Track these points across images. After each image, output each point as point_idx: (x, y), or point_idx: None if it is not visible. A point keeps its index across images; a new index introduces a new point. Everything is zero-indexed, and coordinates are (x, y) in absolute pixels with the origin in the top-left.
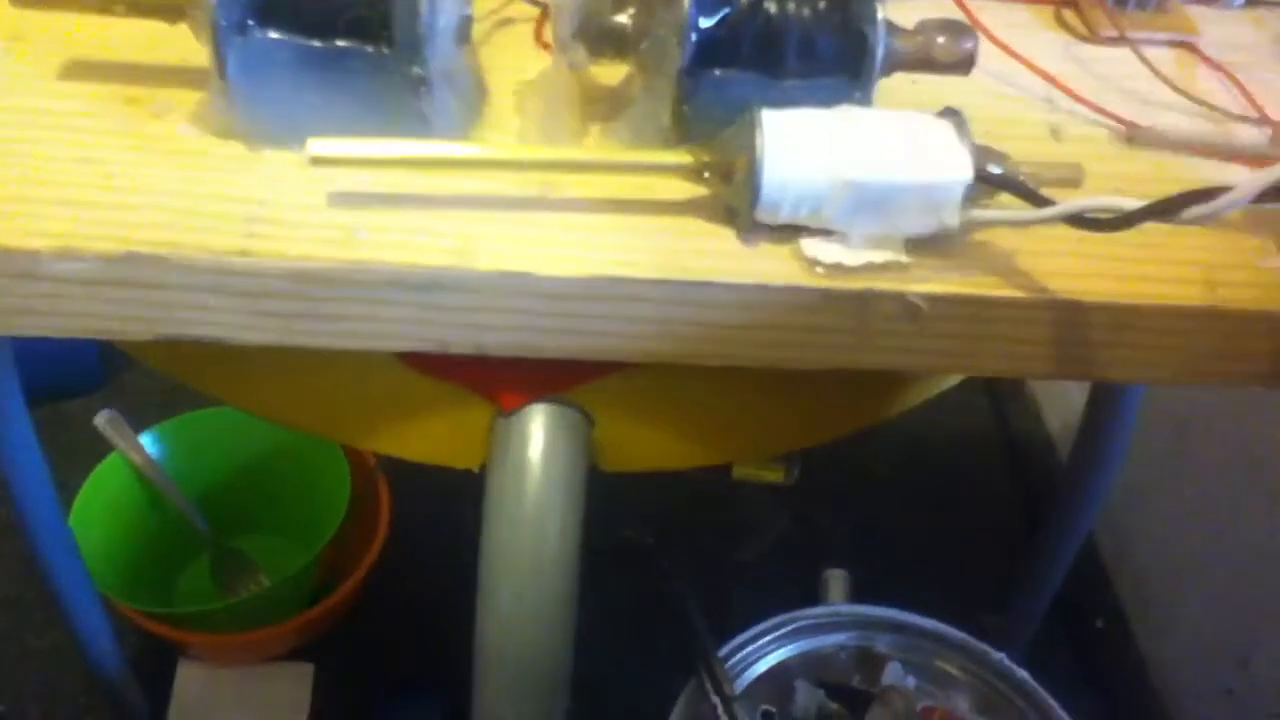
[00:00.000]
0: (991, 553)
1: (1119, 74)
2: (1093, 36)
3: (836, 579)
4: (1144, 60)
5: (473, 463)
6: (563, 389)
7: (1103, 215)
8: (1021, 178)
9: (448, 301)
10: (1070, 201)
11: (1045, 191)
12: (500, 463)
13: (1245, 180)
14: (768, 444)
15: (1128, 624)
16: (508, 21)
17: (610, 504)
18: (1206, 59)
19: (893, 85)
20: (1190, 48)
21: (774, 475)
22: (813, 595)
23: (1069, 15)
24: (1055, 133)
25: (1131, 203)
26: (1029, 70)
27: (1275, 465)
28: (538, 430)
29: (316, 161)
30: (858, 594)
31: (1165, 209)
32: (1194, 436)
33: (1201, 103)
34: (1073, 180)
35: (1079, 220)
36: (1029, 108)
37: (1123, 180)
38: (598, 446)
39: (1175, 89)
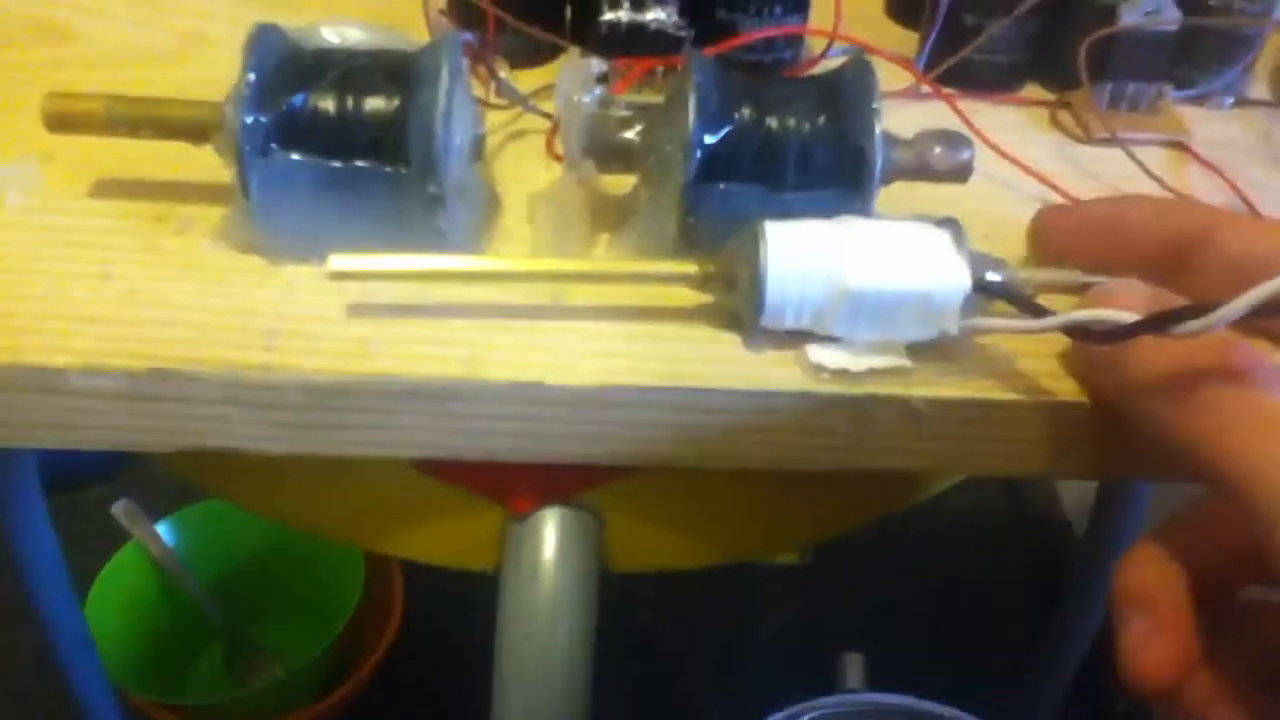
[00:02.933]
0: (1008, 632)
1: (1113, 174)
2: (1087, 137)
3: (853, 663)
4: (1135, 161)
5: (487, 564)
6: (574, 492)
7: (1099, 327)
8: (1021, 283)
9: (460, 410)
10: (1067, 314)
11: (1044, 299)
12: (513, 567)
13: (1240, 295)
14: (777, 541)
15: (1149, 705)
16: (519, 134)
17: (621, 586)
18: (1198, 158)
19: (891, 189)
20: (1182, 147)
21: (788, 556)
22: (827, 677)
23: (1063, 116)
24: None
25: (1128, 316)
26: (1024, 172)
27: None
28: (550, 534)
29: (337, 276)
30: (873, 676)
31: (1160, 322)
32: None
33: (1195, 201)
34: (1074, 286)
35: (1078, 331)
36: (1025, 208)
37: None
38: (609, 548)
39: (1166, 188)
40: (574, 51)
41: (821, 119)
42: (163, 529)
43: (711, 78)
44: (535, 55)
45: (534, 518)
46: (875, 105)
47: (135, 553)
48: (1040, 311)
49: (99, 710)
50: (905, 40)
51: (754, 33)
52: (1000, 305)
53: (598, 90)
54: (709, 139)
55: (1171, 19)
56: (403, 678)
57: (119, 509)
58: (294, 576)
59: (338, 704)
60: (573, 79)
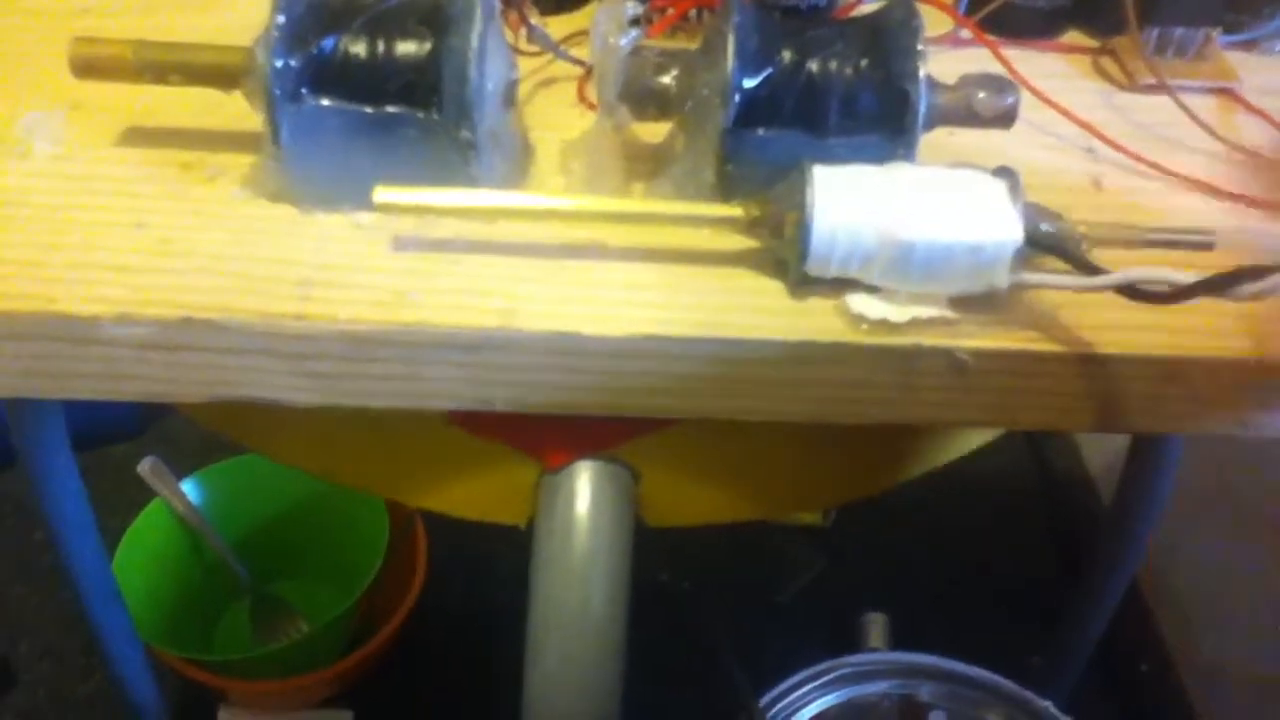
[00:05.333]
0: (1029, 594)
1: (1158, 121)
2: (1131, 84)
3: (876, 623)
4: (1183, 107)
5: (519, 519)
6: (608, 445)
7: (1154, 287)
8: (1074, 237)
9: (494, 361)
10: (1122, 271)
11: (1095, 256)
12: (547, 520)
13: None
14: (811, 498)
15: (1173, 668)
16: (550, 81)
17: (643, 546)
18: (1247, 104)
19: (931, 137)
20: (1230, 94)
21: (810, 517)
22: (849, 637)
23: (1106, 63)
24: (1096, 183)
25: (1184, 276)
26: (1068, 120)
27: None
28: (584, 487)
29: (382, 209)
30: (894, 637)
31: (1218, 285)
32: (1239, 473)
33: (1244, 150)
34: (1133, 241)
35: (1130, 291)
36: (1070, 157)
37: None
38: (642, 502)
39: (1215, 136)
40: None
41: (864, 62)
42: (188, 487)
43: (751, 20)
44: (564, 2)
45: (568, 471)
46: (920, 48)
47: (161, 510)
48: (1093, 269)
49: (127, 665)
50: None
51: None
52: (1050, 260)
53: (633, 34)
54: (748, 83)
55: None
56: (426, 636)
57: (145, 467)
58: (319, 535)
59: (361, 661)
60: (608, 22)
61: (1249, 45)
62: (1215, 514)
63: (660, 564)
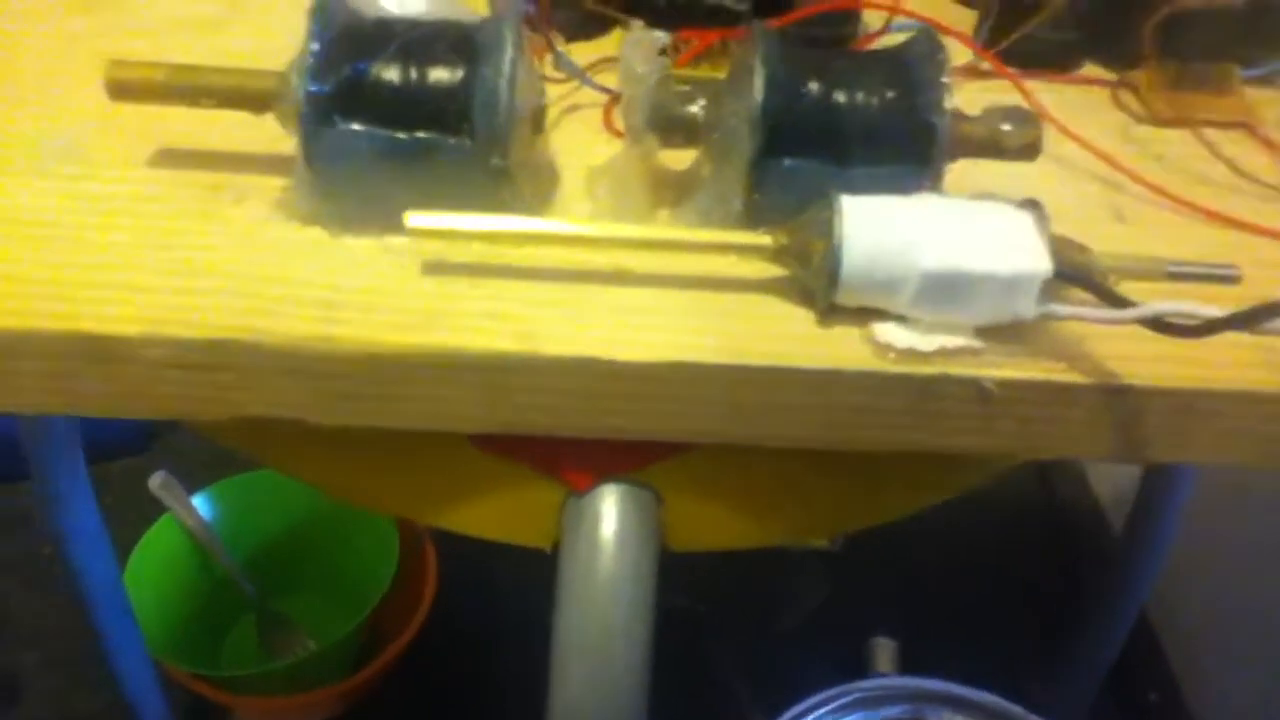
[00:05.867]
0: (1036, 621)
1: (1179, 155)
2: (1151, 118)
3: (884, 648)
4: (1204, 142)
5: (542, 541)
6: (632, 468)
7: (1182, 321)
8: (1101, 269)
9: (517, 384)
10: (1149, 305)
11: (1119, 288)
12: (573, 543)
13: None
14: (833, 523)
15: (1182, 697)
16: (575, 107)
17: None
18: (1266, 141)
19: (954, 168)
20: (1250, 129)
21: (819, 541)
22: (858, 663)
23: (1125, 96)
24: (1119, 215)
25: (1212, 310)
26: (1088, 152)
27: None
28: (610, 510)
29: (413, 234)
30: (903, 662)
31: (1247, 319)
32: (1248, 501)
33: (1266, 185)
34: (1158, 274)
35: (1157, 324)
36: (1091, 190)
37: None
38: (670, 525)
39: (1236, 171)
40: (636, 24)
41: (890, 94)
42: (198, 502)
43: (777, 51)
44: (587, 29)
45: (592, 494)
46: (945, 80)
47: (171, 526)
48: (1120, 302)
49: (136, 679)
50: (962, 18)
51: (813, 6)
52: (1075, 292)
53: (660, 63)
54: (775, 113)
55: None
56: (434, 654)
57: (156, 482)
58: (328, 552)
59: (370, 678)
60: (636, 52)
61: (1268, 80)
62: (1227, 542)
63: (672, 588)
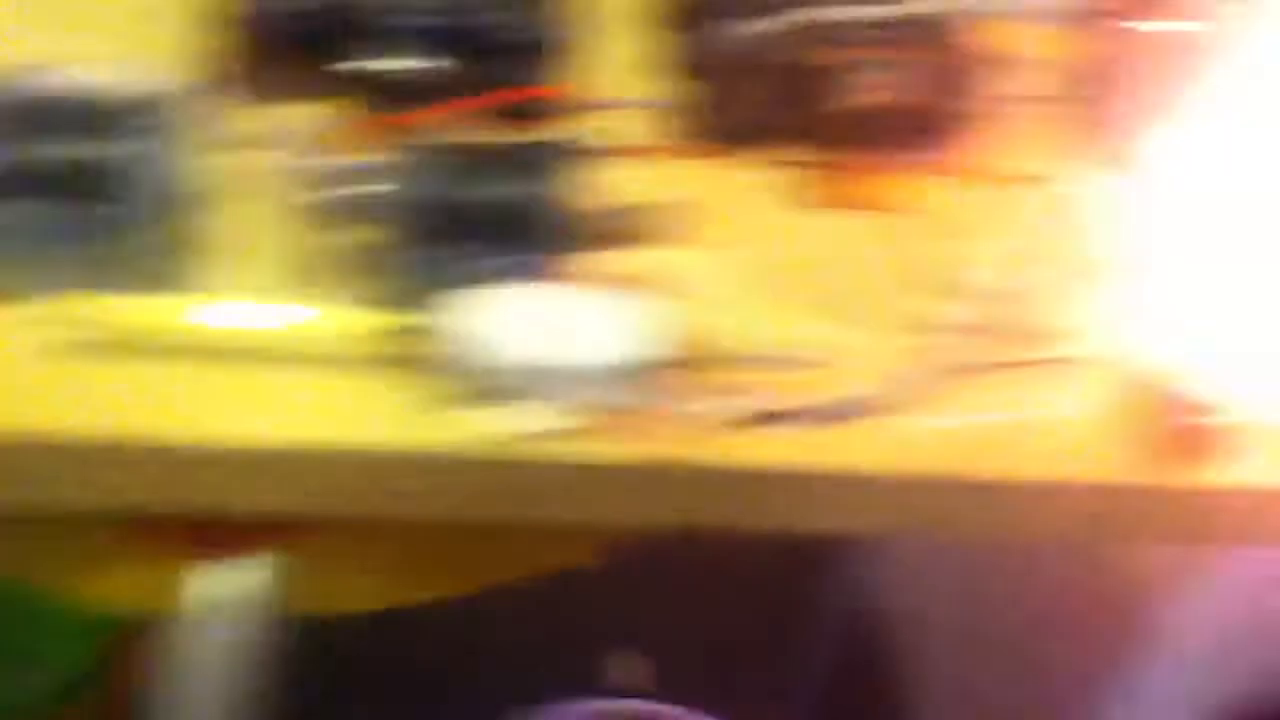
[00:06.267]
0: (783, 649)
1: (833, 239)
2: (820, 201)
3: (622, 665)
4: (848, 227)
5: (173, 611)
6: (259, 540)
7: (739, 413)
8: (699, 360)
9: (138, 468)
10: (714, 398)
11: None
12: (194, 613)
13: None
14: (466, 583)
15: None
16: (258, 176)
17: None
18: (922, 224)
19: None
20: (912, 212)
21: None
22: (602, 680)
23: (803, 180)
24: (768, 296)
25: (777, 403)
26: (741, 236)
27: None
28: (232, 584)
29: (57, 311)
30: (650, 681)
31: (780, 416)
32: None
33: (906, 266)
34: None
35: (721, 415)
36: (741, 270)
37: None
38: (296, 593)
39: (877, 253)
40: (303, 110)
41: (520, 190)
42: None
43: (419, 146)
44: (296, 94)
45: (216, 568)
46: (572, 177)
47: None
48: (696, 392)
49: None
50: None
51: (515, 90)
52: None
53: (322, 150)
54: (407, 205)
55: (897, 95)
56: None
57: None
58: None
59: None
60: (290, 137)
61: (936, 167)
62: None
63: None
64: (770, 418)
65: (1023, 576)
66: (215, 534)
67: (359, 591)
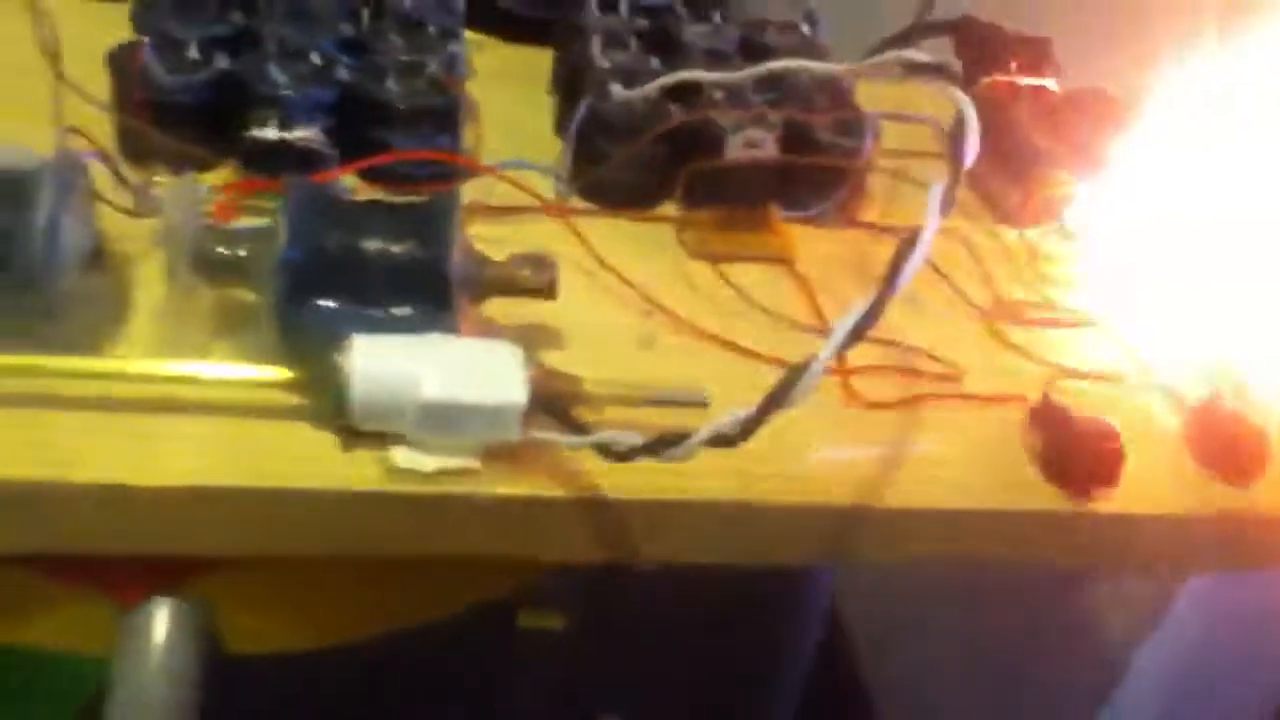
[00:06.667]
0: (773, 702)
1: (716, 289)
2: (701, 254)
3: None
4: (722, 277)
5: (103, 651)
6: (182, 581)
7: (618, 447)
8: (584, 396)
9: (50, 511)
10: (597, 434)
11: (608, 413)
12: (120, 657)
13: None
14: (392, 620)
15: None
16: (145, 241)
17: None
18: (798, 276)
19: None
20: (788, 264)
21: (550, 621)
22: None
23: (684, 233)
24: (645, 343)
25: (634, 439)
26: (621, 287)
27: None
28: (158, 624)
29: None
30: None
31: (653, 448)
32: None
33: (776, 316)
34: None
35: (602, 449)
36: (626, 319)
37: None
38: (226, 634)
39: (751, 302)
40: (186, 176)
41: (411, 244)
42: None
43: (306, 202)
44: (196, 162)
45: (142, 609)
46: (456, 235)
47: None
48: (580, 429)
49: None
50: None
51: (404, 152)
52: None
53: (198, 213)
54: (299, 259)
55: (769, 153)
56: None
57: None
58: None
59: None
60: (173, 204)
61: (812, 219)
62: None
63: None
64: (655, 451)
65: (992, 607)
66: (134, 576)
67: (282, 632)
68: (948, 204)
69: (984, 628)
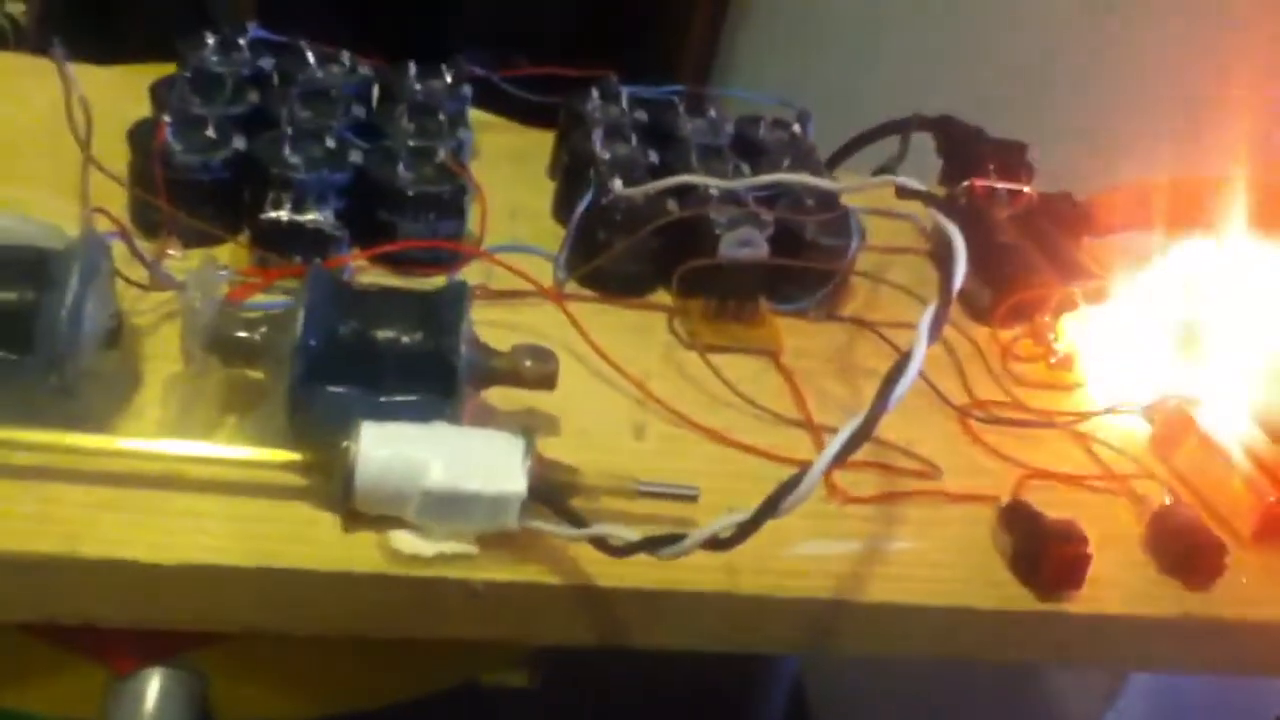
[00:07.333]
0: None
1: (707, 379)
2: (691, 343)
3: None
4: (712, 368)
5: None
6: (176, 652)
7: (614, 541)
8: (583, 488)
9: (56, 583)
10: (595, 527)
11: (604, 504)
12: None
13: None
14: (379, 695)
15: None
16: (174, 314)
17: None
18: (783, 369)
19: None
20: (774, 357)
21: (518, 680)
22: None
23: (677, 323)
24: (638, 432)
25: (631, 534)
26: (620, 376)
27: None
28: (150, 694)
29: None
30: None
31: (650, 545)
32: None
33: (763, 408)
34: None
35: (598, 543)
36: (621, 409)
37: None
38: (216, 703)
39: (739, 394)
40: (208, 258)
41: (419, 334)
42: None
43: (323, 290)
44: (209, 238)
45: (135, 677)
46: (464, 327)
47: None
48: (578, 522)
49: None
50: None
51: (407, 241)
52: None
53: (218, 299)
54: (313, 344)
55: (761, 252)
56: None
57: None
58: None
59: None
60: (195, 285)
61: (800, 313)
62: None
63: None
64: (652, 549)
65: (958, 691)
66: (130, 644)
67: (270, 705)
68: (936, 329)
69: (947, 695)
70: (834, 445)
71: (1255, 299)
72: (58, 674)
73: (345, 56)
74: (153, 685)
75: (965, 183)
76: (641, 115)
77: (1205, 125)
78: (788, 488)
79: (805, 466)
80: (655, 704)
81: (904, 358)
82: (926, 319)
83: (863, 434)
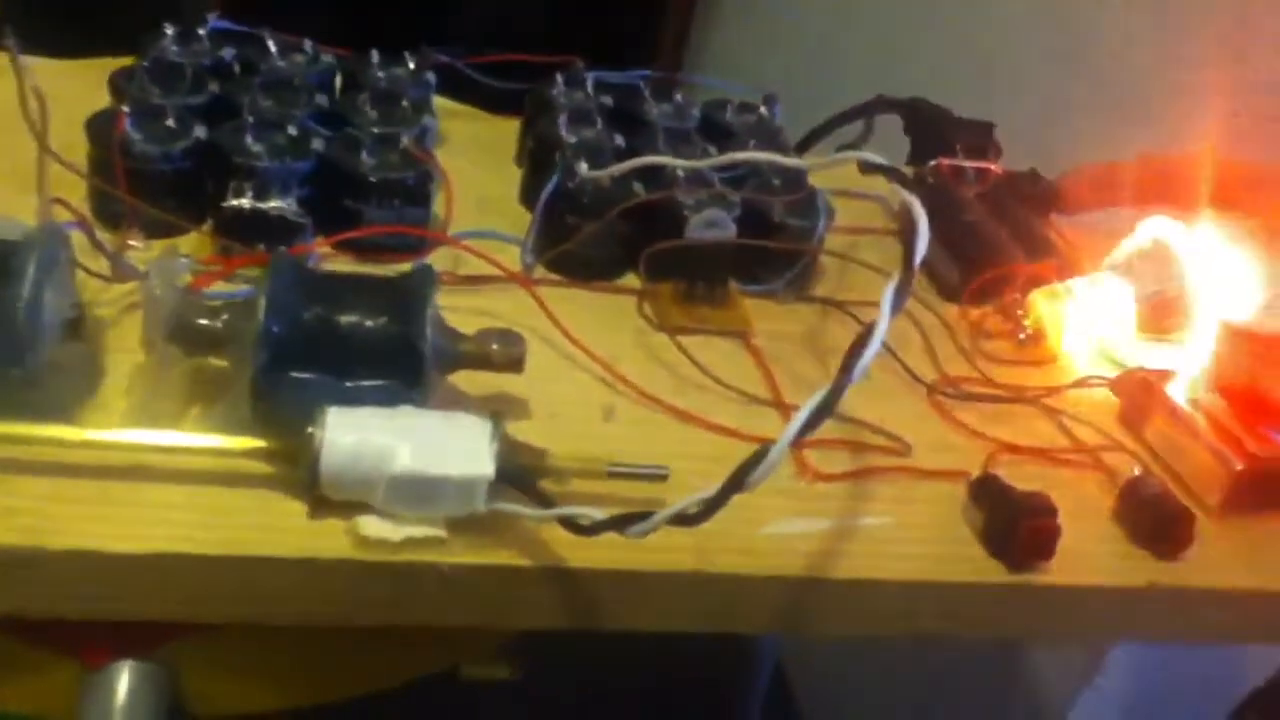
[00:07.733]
0: None
1: (677, 361)
2: (661, 325)
3: None
4: (682, 350)
5: (65, 715)
6: (148, 645)
7: (582, 520)
8: (552, 469)
9: (22, 575)
10: (563, 507)
11: (572, 485)
12: (83, 717)
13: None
14: (352, 685)
15: None
16: (137, 305)
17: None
18: (753, 349)
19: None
20: (745, 338)
21: (501, 672)
22: None
23: (647, 306)
24: (608, 414)
25: (598, 514)
26: (587, 358)
27: None
28: (122, 687)
29: None
30: None
31: (618, 523)
32: None
33: (733, 389)
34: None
35: (567, 523)
36: (590, 391)
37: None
38: (189, 695)
39: (709, 375)
40: (169, 249)
41: (384, 319)
42: None
43: (287, 276)
44: (172, 228)
45: (106, 671)
46: (430, 311)
47: None
48: (545, 502)
49: None
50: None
51: (374, 226)
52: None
53: (180, 288)
54: (277, 331)
55: (729, 233)
56: None
57: None
58: None
59: None
60: (158, 274)
61: (769, 295)
62: None
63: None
64: (620, 527)
65: (938, 673)
66: (102, 638)
67: (245, 695)
68: (900, 301)
69: (928, 678)
70: (800, 417)
71: (1219, 274)
72: (30, 670)
73: (308, 45)
74: (124, 679)
75: (933, 162)
76: (607, 100)
77: (1172, 104)
78: (754, 461)
79: (769, 442)
80: (636, 694)
81: (867, 329)
82: (889, 290)
83: (828, 405)
